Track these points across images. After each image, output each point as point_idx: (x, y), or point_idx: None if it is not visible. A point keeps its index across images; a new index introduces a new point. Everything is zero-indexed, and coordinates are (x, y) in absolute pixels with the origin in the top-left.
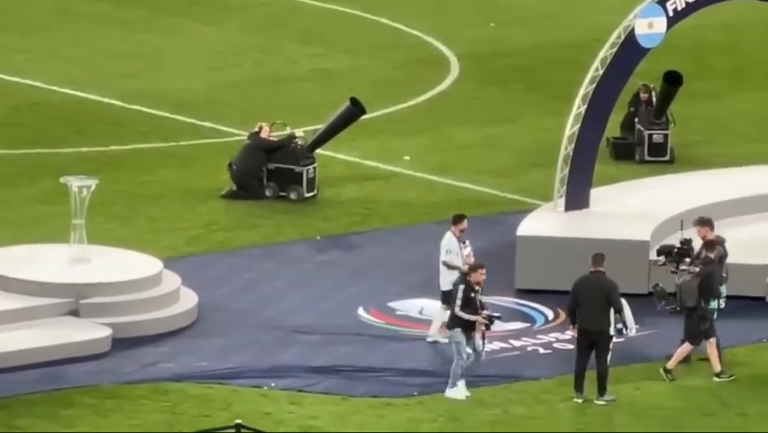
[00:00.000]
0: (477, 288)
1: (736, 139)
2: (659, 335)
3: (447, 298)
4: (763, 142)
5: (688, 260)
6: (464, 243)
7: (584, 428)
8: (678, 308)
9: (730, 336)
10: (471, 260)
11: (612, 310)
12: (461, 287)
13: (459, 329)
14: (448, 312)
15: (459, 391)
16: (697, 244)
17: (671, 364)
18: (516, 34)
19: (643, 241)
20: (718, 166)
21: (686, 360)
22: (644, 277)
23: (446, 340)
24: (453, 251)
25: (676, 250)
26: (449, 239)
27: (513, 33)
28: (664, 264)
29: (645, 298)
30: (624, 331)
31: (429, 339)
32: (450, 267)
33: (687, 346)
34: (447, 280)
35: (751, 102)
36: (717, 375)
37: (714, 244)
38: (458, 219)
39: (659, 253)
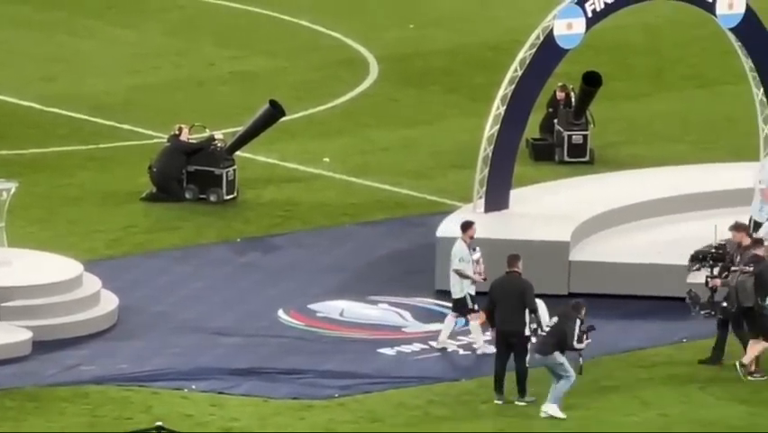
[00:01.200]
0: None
1: (655, 139)
2: None
3: (459, 306)
4: (682, 142)
5: (721, 264)
6: (474, 249)
7: (505, 428)
8: (713, 313)
9: (652, 336)
10: (482, 267)
11: (527, 311)
12: (579, 323)
13: (558, 352)
14: (455, 320)
15: (558, 411)
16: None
17: (746, 359)
18: (436, 36)
19: (563, 242)
20: (638, 166)
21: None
22: (565, 278)
23: (455, 347)
24: (465, 259)
25: (711, 255)
26: (460, 247)
27: (432, 35)
28: (698, 270)
29: (565, 299)
30: (539, 331)
31: (438, 345)
32: (462, 276)
33: (762, 344)
34: (458, 288)
35: (670, 102)
36: (747, 371)
37: (761, 242)
38: (467, 226)
39: (693, 258)
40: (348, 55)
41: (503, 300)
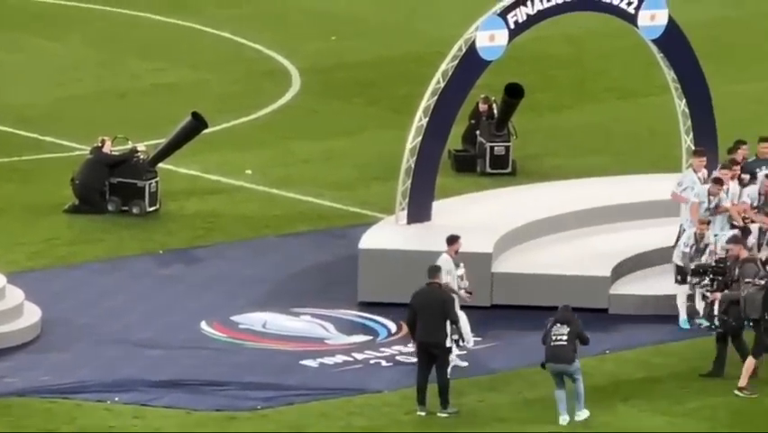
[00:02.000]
0: None
1: (577, 151)
2: (501, 347)
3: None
4: (604, 153)
5: (720, 278)
6: (458, 264)
7: None
8: (712, 327)
9: None
10: (466, 283)
11: (448, 322)
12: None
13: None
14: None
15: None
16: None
17: (742, 383)
18: (358, 48)
19: (485, 253)
20: (560, 178)
21: (754, 373)
22: (487, 289)
23: (465, 364)
24: (451, 272)
25: (711, 269)
26: (444, 260)
27: (354, 47)
28: (698, 283)
29: (488, 310)
30: (460, 343)
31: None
32: (449, 290)
33: (752, 361)
34: None
35: (593, 114)
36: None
37: None
38: (453, 240)
39: (694, 273)
40: (270, 67)
41: (424, 312)
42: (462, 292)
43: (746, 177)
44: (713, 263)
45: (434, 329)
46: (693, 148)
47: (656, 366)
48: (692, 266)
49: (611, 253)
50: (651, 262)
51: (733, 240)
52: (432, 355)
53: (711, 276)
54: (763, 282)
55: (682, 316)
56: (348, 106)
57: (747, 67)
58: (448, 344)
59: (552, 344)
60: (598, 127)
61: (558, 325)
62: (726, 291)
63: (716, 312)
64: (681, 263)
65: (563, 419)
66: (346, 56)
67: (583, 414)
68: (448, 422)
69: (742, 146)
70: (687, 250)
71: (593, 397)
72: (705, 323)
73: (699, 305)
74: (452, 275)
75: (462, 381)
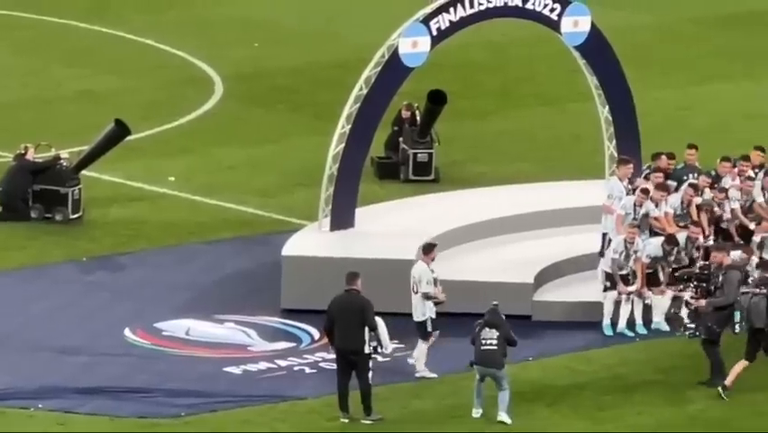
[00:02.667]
0: None
1: (501, 157)
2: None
3: (421, 329)
4: (527, 160)
5: (704, 285)
6: (432, 271)
7: None
8: (697, 333)
9: None
10: (439, 289)
11: (367, 329)
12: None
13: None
14: (426, 345)
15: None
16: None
17: (729, 382)
18: (281, 54)
19: (408, 260)
20: (483, 185)
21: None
22: (410, 296)
23: (434, 375)
24: (430, 281)
25: (695, 275)
26: (423, 269)
27: (277, 53)
28: (683, 290)
29: (410, 317)
30: (379, 349)
31: (417, 375)
32: (428, 298)
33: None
34: (421, 311)
35: (516, 120)
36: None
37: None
38: (429, 248)
39: (678, 279)
40: (193, 74)
41: (342, 318)
42: (442, 296)
43: (674, 184)
44: (697, 270)
45: (353, 336)
46: (619, 156)
47: (580, 373)
48: (677, 273)
49: (534, 260)
50: (574, 268)
51: (716, 247)
52: (351, 362)
53: (695, 283)
54: (765, 291)
55: (606, 321)
56: (271, 113)
57: (670, 73)
58: (367, 350)
59: (481, 348)
60: (522, 134)
61: (487, 329)
62: (710, 298)
63: (687, 319)
64: (609, 270)
65: (476, 412)
66: (269, 63)
67: (505, 417)
68: (372, 429)
69: (662, 156)
70: (616, 257)
71: (517, 402)
72: (628, 333)
73: (684, 311)
74: (430, 284)
75: (386, 387)
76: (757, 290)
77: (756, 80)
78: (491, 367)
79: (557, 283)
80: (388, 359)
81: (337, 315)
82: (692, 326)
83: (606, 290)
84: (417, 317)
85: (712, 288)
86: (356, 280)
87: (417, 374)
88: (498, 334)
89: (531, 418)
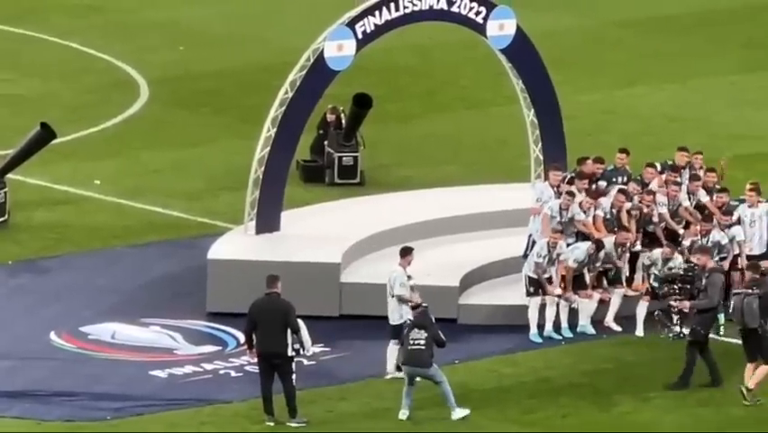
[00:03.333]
0: None
1: (426, 161)
2: (350, 357)
3: (396, 332)
4: (453, 163)
5: (688, 286)
6: (409, 276)
7: None
8: (681, 335)
9: None
10: (416, 294)
11: (290, 331)
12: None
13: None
14: (396, 347)
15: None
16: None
17: (753, 385)
18: (206, 58)
19: (333, 263)
20: (409, 188)
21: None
22: (336, 299)
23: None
24: (405, 284)
25: (680, 277)
26: (400, 273)
27: (202, 57)
28: (668, 292)
29: (337, 320)
30: (301, 352)
31: (387, 377)
32: (403, 301)
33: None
34: (397, 314)
35: (442, 124)
36: (751, 395)
37: (758, 266)
38: (406, 252)
39: (663, 281)
40: (119, 77)
41: (264, 322)
42: (414, 300)
43: (603, 183)
44: (681, 272)
45: (275, 339)
46: (551, 163)
47: (506, 376)
48: (661, 275)
49: (460, 264)
50: (499, 272)
51: (700, 250)
52: (274, 365)
53: (680, 285)
54: (758, 291)
55: (533, 330)
56: (196, 117)
57: (595, 76)
58: (290, 353)
59: (409, 348)
60: (447, 137)
61: (416, 329)
62: (695, 300)
63: (675, 321)
64: (533, 275)
65: (403, 413)
66: (194, 66)
67: (459, 413)
68: (297, 431)
69: (588, 160)
70: (540, 261)
71: (443, 405)
72: (555, 336)
73: (672, 314)
74: (405, 287)
75: (312, 391)
76: (750, 291)
77: (680, 83)
78: (418, 367)
79: (483, 286)
80: (313, 363)
81: (259, 318)
82: (677, 328)
83: (529, 294)
84: (394, 321)
85: (696, 290)
86: (276, 283)
87: (387, 376)
88: (426, 334)
89: (457, 421)
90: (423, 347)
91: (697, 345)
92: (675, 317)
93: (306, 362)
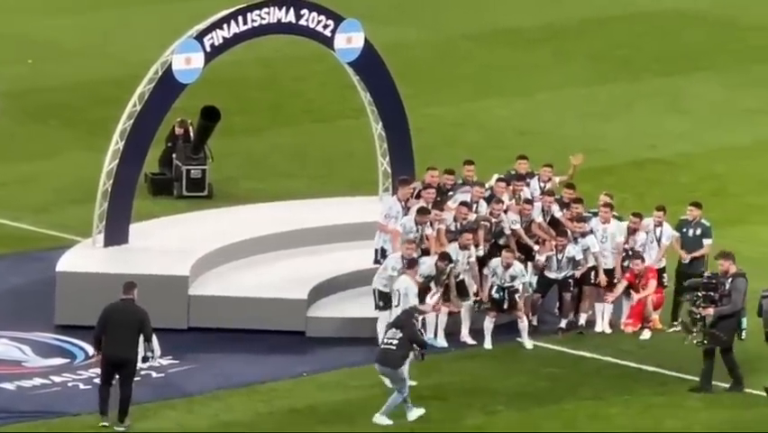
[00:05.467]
0: None
1: (273, 174)
2: (198, 370)
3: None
4: (300, 176)
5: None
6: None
7: None
8: (705, 342)
9: (271, 370)
10: (437, 301)
11: (142, 338)
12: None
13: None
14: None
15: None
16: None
17: None
18: (54, 71)
19: (181, 276)
20: (257, 201)
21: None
22: (184, 312)
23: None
24: (394, 216)
25: (703, 285)
26: (409, 283)
27: (52, 71)
28: (691, 299)
29: (185, 333)
30: (150, 358)
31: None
32: (416, 311)
33: None
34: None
35: (288, 136)
36: None
37: None
38: (412, 263)
39: (686, 288)
40: None
41: (116, 326)
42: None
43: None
44: (704, 279)
45: (126, 345)
46: (400, 177)
47: (353, 388)
48: (685, 282)
49: (308, 276)
50: (346, 285)
51: (722, 255)
52: (118, 369)
53: (703, 291)
54: None
55: (380, 338)
56: (45, 129)
57: (444, 89)
58: (138, 359)
59: (381, 346)
60: (294, 150)
61: (393, 329)
62: (717, 307)
63: (695, 327)
64: (383, 289)
65: (415, 413)
66: (43, 79)
67: (379, 419)
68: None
69: (431, 171)
70: (394, 274)
71: (291, 419)
72: (437, 343)
73: (687, 319)
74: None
75: (159, 403)
76: None
77: (529, 96)
78: (386, 366)
79: (331, 299)
80: (161, 375)
81: (111, 323)
82: (700, 333)
83: (378, 308)
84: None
85: (719, 296)
86: (133, 290)
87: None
88: (401, 335)
89: None
90: (394, 348)
91: (713, 352)
92: (699, 324)
93: (154, 374)
